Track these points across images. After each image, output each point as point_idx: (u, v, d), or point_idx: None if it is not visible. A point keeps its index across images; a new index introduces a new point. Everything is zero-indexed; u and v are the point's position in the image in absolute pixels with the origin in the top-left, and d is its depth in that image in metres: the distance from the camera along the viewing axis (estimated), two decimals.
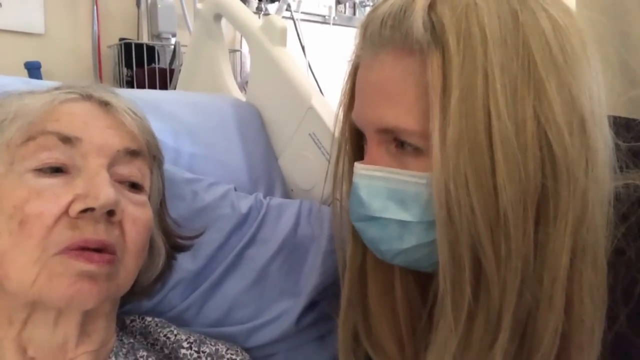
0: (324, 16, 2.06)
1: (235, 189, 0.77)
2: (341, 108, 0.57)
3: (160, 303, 0.63)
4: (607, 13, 0.83)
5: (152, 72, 1.52)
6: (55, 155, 0.46)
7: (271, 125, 0.93)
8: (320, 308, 0.70)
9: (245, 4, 1.84)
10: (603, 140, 0.45)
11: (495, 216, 0.42)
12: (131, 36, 1.59)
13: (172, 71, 1.53)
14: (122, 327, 0.57)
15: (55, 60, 1.48)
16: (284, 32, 0.90)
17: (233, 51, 1.65)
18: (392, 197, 0.48)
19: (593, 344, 0.45)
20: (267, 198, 0.77)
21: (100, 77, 1.54)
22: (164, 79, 1.51)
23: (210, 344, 0.57)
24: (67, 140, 0.46)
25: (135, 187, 0.50)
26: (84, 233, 0.44)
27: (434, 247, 0.47)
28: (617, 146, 0.47)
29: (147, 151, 0.53)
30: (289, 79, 0.87)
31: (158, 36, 1.62)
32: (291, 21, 1.87)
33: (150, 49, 1.55)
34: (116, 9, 1.59)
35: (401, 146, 0.48)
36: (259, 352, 0.65)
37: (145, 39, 1.60)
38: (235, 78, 1.14)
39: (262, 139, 0.90)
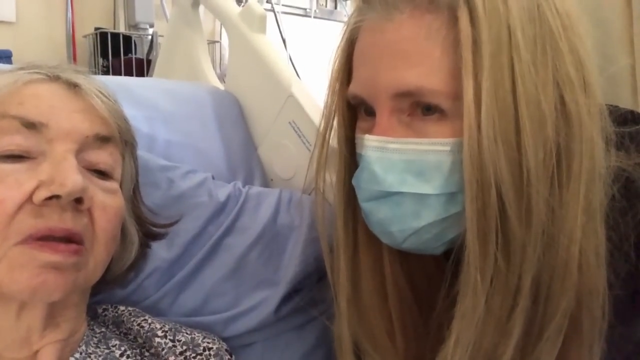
0: (305, 9, 2.05)
1: (213, 178, 0.75)
2: (332, 84, 0.55)
3: (134, 292, 0.61)
4: None
5: (128, 62, 1.49)
6: (17, 141, 0.43)
7: (250, 114, 0.91)
8: (300, 297, 0.69)
9: None
10: (600, 104, 0.46)
11: (519, 176, 0.42)
12: (107, 26, 1.55)
13: (149, 62, 1.50)
14: (94, 317, 0.55)
15: (27, 49, 1.44)
16: (263, 19, 0.89)
17: (212, 42, 1.63)
18: (410, 170, 0.46)
19: (604, 309, 0.45)
20: (246, 187, 0.76)
21: None
22: (140, 70, 1.48)
23: (186, 333, 0.55)
24: (31, 125, 0.44)
25: (105, 174, 0.48)
26: (49, 221, 0.42)
27: (449, 224, 0.47)
28: (604, 129, 0.47)
29: (119, 136, 0.51)
30: (269, 66, 0.85)
31: (135, 26, 1.59)
32: (272, 13, 1.85)
33: (127, 39, 1.52)
34: None
35: (421, 111, 0.46)
36: (237, 341, 0.64)
37: (122, 29, 1.56)
38: (215, 70, 1.12)
39: (240, 128, 0.88)
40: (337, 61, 0.55)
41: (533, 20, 0.43)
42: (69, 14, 1.48)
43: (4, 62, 1.33)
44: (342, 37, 0.54)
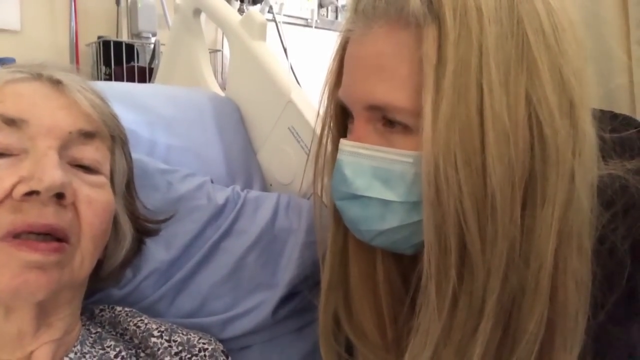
0: (306, 19, 2.07)
1: (212, 181, 0.75)
2: (326, 87, 0.56)
3: (132, 293, 0.61)
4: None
5: (131, 70, 1.50)
6: None
7: (250, 119, 0.92)
8: (297, 300, 0.70)
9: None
10: (590, 125, 0.45)
11: (483, 197, 0.42)
12: (110, 34, 1.57)
13: (151, 69, 1.51)
14: (91, 317, 0.55)
15: (31, 57, 1.45)
16: (263, 26, 0.90)
17: (214, 51, 1.64)
18: (377, 176, 0.47)
19: (577, 332, 0.45)
20: (245, 190, 0.77)
21: None
22: (143, 77, 1.49)
23: (182, 333, 0.55)
24: (11, 122, 0.44)
25: (91, 169, 0.48)
26: (28, 217, 0.42)
27: (414, 229, 0.47)
28: (600, 137, 0.47)
29: (106, 131, 0.51)
30: (269, 73, 0.86)
31: (138, 35, 1.60)
32: (274, 23, 1.87)
33: (130, 48, 1.53)
34: (94, 7, 1.57)
35: (389, 124, 0.47)
36: (234, 343, 0.64)
37: (124, 38, 1.58)
38: (217, 78, 1.13)
39: (240, 133, 0.89)
40: (330, 67, 0.56)
41: (509, 39, 0.42)
42: (73, 23, 1.50)
43: None
44: (337, 44, 0.55)
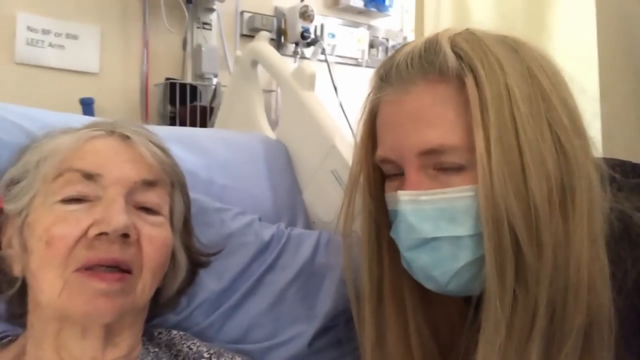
0: (357, 59, 2.16)
1: (260, 219, 0.83)
2: (359, 151, 0.61)
3: (186, 320, 0.69)
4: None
5: (193, 109, 1.63)
6: (78, 188, 0.53)
7: (297, 161, 1.00)
8: (333, 333, 0.75)
9: (282, 47, 1.98)
10: (591, 146, 0.53)
11: (528, 212, 0.48)
12: (176, 76, 1.72)
13: (212, 109, 1.64)
14: (150, 339, 0.63)
15: (107, 96, 1.61)
16: (312, 77, 0.99)
17: (269, 91, 1.75)
18: (442, 217, 0.52)
19: (611, 329, 0.49)
20: (289, 228, 0.84)
21: (147, 113, 1.67)
22: (204, 116, 1.62)
23: (228, 356, 0.62)
24: (89, 176, 0.54)
25: (153, 210, 0.56)
26: (99, 253, 0.50)
27: (482, 263, 0.51)
28: (611, 177, 0.54)
29: (166, 179, 0.60)
30: (315, 120, 0.94)
31: (201, 76, 1.74)
32: (325, 64, 1.97)
33: (193, 88, 1.67)
34: (164, 51, 1.72)
35: (442, 168, 0.52)
36: None
37: (189, 79, 1.72)
38: (270, 116, 1.23)
39: (288, 174, 0.97)
40: (361, 132, 0.62)
41: (526, 80, 0.51)
42: (144, 66, 1.65)
43: (87, 108, 1.51)
44: (364, 111, 0.61)
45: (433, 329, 0.62)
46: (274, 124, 1.13)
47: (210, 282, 0.72)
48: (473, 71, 0.51)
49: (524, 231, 0.48)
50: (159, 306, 0.63)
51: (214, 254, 0.67)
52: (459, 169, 0.52)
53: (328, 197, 0.91)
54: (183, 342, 0.63)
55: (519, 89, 0.50)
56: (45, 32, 1.56)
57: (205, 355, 0.62)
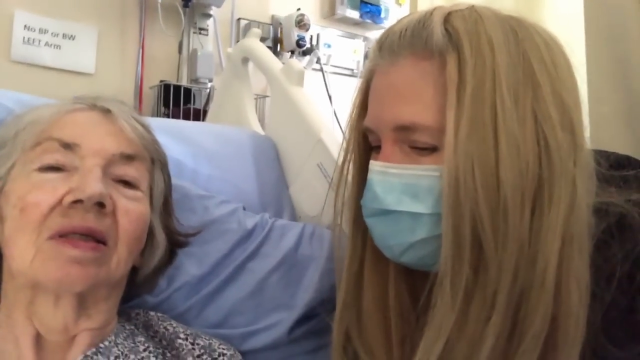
0: (352, 69, 2.18)
1: (244, 208, 0.83)
2: (351, 118, 0.62)
3: (164, 302, 0.69)
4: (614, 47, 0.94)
5: (187, 111, 1.64)
6: (56, 157, 0.53)
7: (285, 156, 1.00)
8: (314, 322, 0.75)
9: (278, 55, 2.00)
10: (585, 141, 0.51)
11: (496, 202, 0.47)
12: (171, 79, 1.73)
13: (205, 112, 1.65)
14: (128, 319, 0.63)
15: None
16: (301, 74, 1.00)
17: (263, 97, 1.77)
18: (406, 192, 0.52)
19: (578, 331, 0.48)
20: (273, 218, 0.84)
21: (140, 114, 1.67)
22: (197, 119, 1.62)
23: (205, 338, 0.62)
24: (67, 145, 0.54)
25: (131, 184, 0.56)
26: (73, 220, 0.50)
27: (439, 243, 0.51)
28: (599, 172, 0.52)
29: (146, 155, 0.60)
30: (303, 114, 0.95)
31: (196, 80, 1.76)
32: (320, 73, 1.99)
33: (187, 91, 1.68)
34: (160, 54, 1.74)
35: (415, 147, 0.52)
36: (251, 357, 0.69)
37: (184, 82, 1.73)
38: (264, 120, 1.23)
39: (275, 168, 0.97)
40: (356, 99, 0.63)
41: (517, 66, 0.49)
42: (139, 68, 1.67)
43: None
44: (361, 80, 0.62)
45: (413, 297, 0.62)
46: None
47: (190, 267, 0.72)
48: (459, 50, 0.50)
49: (486, 220, 0.47)
50: (137, 286, 0.62)
51: (193, 235, 0.67)
52: (430, 149, 0.52)
53: (314, 191, 0.91)
54: (160, 322, 0.63)
55: (506, 75, 0.49)
56: (43, 31, 1.57)
57: (182, 335, 0.61)
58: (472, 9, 0.53)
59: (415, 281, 0.61)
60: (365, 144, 0.62)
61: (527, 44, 0.51)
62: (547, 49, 0.51)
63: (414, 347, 0.59)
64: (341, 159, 0.64)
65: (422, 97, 0.52)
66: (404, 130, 0.53)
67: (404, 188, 0.52)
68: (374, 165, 0.55)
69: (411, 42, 0.53)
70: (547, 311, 0.48)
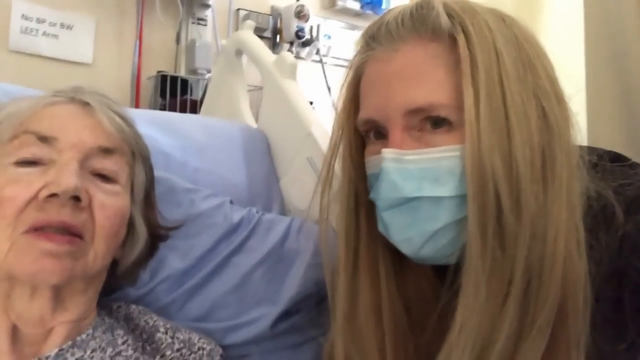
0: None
1: (232, 202, 0.83)
2: (341, 115, 0.61)
3: (147, 295, 0.69)
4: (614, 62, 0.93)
5: (183, 102, 1.64)
6: (33, 151, 0.53)
7: (276, 149, 1.00)
8: (298, 317, 0.74)
9: (277, 46, 1.99)
10: (572, 117, 0.54)
11: (510, 177, 0.48)
12: (169, 70, 1.73)
13: (202, 103, 1.64)
14: (109, 313, 0.63)
15: (98, 87, 1.62)
16: (294, 67, 0.99)
17: (259, 88, 1.76)
18: (425, 176, 0.51)
19: (587, 302, 0.48)
20: (260, 212, 0.84)
21: (137, 105, 1.67)
22: (194, 110, 1.62)
23: (185, 332, 0.62)
24: (44, 139, 0.53)
25: (109, 178, 0.56)
26: (48, 215, 0.50)
27: (460, 228, 0.51)
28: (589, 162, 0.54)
29: (126, 148, 0.59)
30: (294, 107, 0.94)
31: (194, 71, 1.75)
32: (320, 64, 1.98)
33: (184, 82, 1.68)
34: (158, 45, 1.73)
35: (431, 126, 0.52)
36: (234, 351, 0.70)
37: (182, 73, 1.73)
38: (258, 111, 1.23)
39: (265, 161, 0.97)
40: (344, 95, 0.62)
41: (513, 46, 0.52)
42: (136, 58, 1.66)
43: None
44: (348, 75, 0.61)
45: (405, 303, 0.62)
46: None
47: (174, 261, 0.72)
48: (464, 31, 0.51)
49: (506, 194, 0.48)
50: (117, 278, 0.62)
51: (175, 228, 0.66)
52: (447, 129, 0.51)
53: (303, 185, 0.91)
54: (140, 316, 0.63)
55: (507, 53, 0.51)
56: (40, 21, 1.57)
57: (162, 329, 0.61)
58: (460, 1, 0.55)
59: (407, 287, 0.61)
60: (357, 140, 0.61)
61: (515, 27, 0.54)
62: (528, 32, 0.55)
63: (408, 356, 0.60)
64: (329, 155, 0.63)
65: (434, 78, 0.52)
66: (417, 113, 0.52)
67: (422, 173, 0.51)
68: (387, 153, 0.52)
69: (414, 26, 0.53)
70: (559, 281, 0.48)
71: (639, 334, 0.48)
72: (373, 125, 0.57)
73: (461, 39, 0.51)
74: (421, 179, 0.51)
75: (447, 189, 0.50)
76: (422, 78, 0.52)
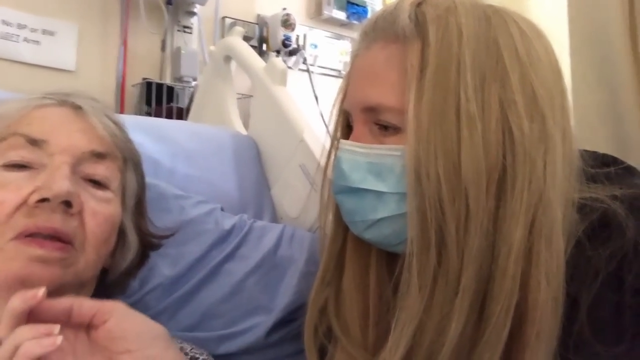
0: (339, 70, 2.17)
1: (222, 209, 0.82)
2: (338, 102, 0.62)
3: (137, 303, 0.67)
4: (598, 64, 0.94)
5: (169, 110, 1.61)
6: (22, 154, 0.51)
7: (267, 156, 0.99)
8: (293, 326, 0.73)
9: (263, 55, 1.98)
10: (567, 140, 0.51)
11: (458, 186, 0.48)
12: (154, 77, 1.70)
13: (188, 110, 1.62)
14: None
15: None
16: (284, 73, 0.98)
17: (249, 96, 1.75)
18: (371, 170, 0.53)
19: (549, 326, 0.47)
20: (252, 219, 0.82)
21: (122, 112, 1.64)
22: (180, 117, 1.60)
23: (176, 342, 0.60)
24: (33, 142, 0.52)
25: (100, 184, 0.54)
26: (38, 220, 0.48)
27: (402, 223, 0.51)
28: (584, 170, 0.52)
29: (118, 153, 0.58)
30: (285, 114, 0.94)
31: (180, 79, 1.73)
32: (307, 74, 1.98)
33: (170, 90, 1.65)
34: (142, 52, 1.71)
35: (383, 128, 0.53)
36: None
37: (167, 81, 1.71)
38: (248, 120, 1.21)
39: (255, 168, 0.95)
40: (341, 84, 0.62)
41: (485, 54, 0.50)
42: (121, 66, 1.64)
43: None
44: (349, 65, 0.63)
45: (392, 280, 0.60)
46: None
47: (164, 268, 0.70)
48: (423, 36, 0.51)
49: (447, 203, 0.48)
50: (107, 286, 0.60)
51: (167, 237, 0.65)
52: (395, 129, 0.53)
53: (295, 192, 0.90)
54: None
55: (472, 62, 0.49)
56: (21, 26, 1.53)
57: None
58: None
59: (395, 264, 0.60)
60: (348, 129, 0.62)
61: (500, 31, 0.51)
62: (522, 38, 0.51)
63: (388, 330, 0.58)
64: (328, 145, 0.64)
65: (387, 80, 0.53)
66: (371, 111, 0.54)
67: (369, 167, 0.53)
68: (344, 144, 0.56)
69: (383, 26, 0.54)
70: (510, 302, 0.47)
71: (638, 336, 0.48)
72: (349, 116, 0.59)
73: (416, 45, 0.51)
74: (367, 172, 0.53)
75: (387, 185, 0.52)
76: (377, 79, 0.54)
